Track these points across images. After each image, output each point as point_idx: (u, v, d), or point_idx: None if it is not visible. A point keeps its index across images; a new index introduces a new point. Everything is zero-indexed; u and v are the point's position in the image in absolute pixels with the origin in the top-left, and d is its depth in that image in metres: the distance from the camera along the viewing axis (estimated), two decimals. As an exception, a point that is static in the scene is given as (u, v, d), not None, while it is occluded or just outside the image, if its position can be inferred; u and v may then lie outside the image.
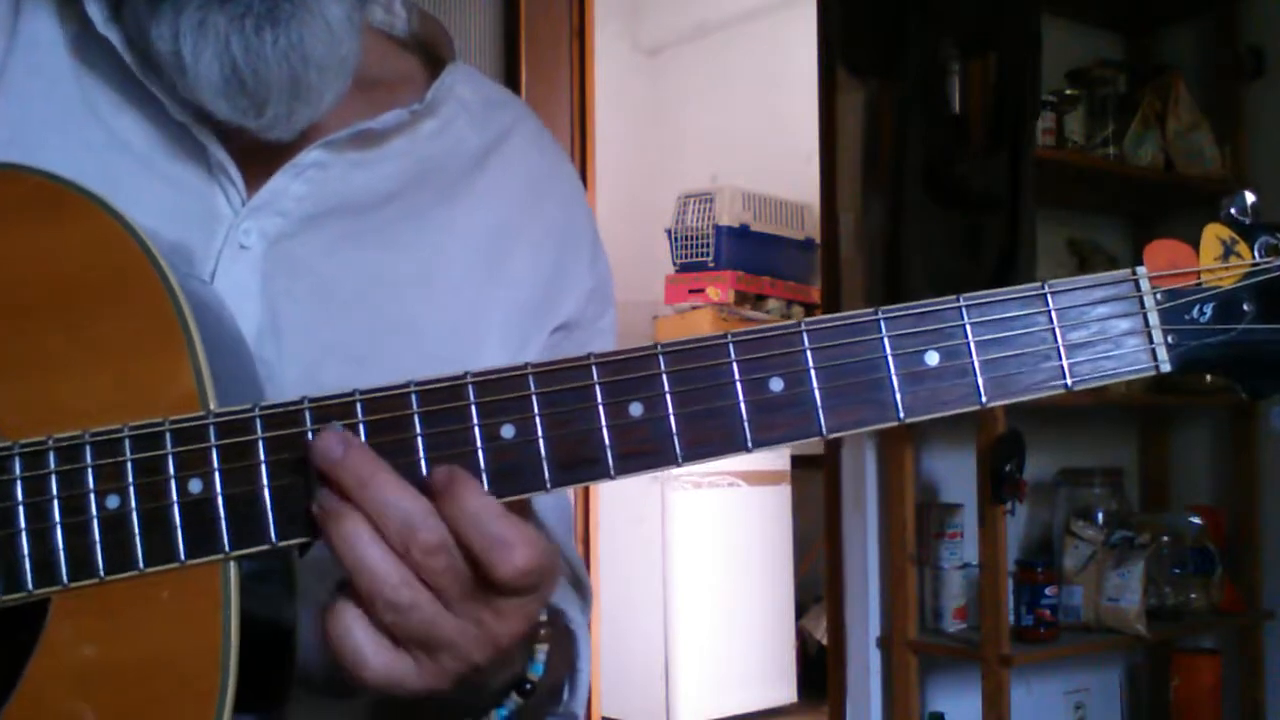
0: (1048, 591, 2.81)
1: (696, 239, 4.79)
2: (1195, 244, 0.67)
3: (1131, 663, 3.34)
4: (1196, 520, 3.08)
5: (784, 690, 4.54)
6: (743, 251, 4.73)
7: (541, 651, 0.72)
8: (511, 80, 3.10)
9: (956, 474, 2.94)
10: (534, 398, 0.63)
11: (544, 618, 0.71)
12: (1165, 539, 2.99)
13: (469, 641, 0.62)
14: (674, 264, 4.88)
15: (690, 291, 4.73)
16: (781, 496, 4.55)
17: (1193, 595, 3.07)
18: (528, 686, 0.71)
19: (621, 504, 4.14)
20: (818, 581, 4.03)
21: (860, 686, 2.94)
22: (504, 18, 3.14)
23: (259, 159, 0.81)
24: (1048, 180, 2.78)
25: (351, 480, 0.60)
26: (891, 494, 2.84)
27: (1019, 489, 2.64)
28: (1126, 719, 3.33)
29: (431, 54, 0.94)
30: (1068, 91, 3.02)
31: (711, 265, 4.73)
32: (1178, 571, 3.05)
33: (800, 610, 4.66)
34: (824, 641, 3.61)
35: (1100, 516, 3.06)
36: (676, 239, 4.85)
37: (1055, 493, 3.14)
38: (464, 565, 0.60)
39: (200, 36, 0.74)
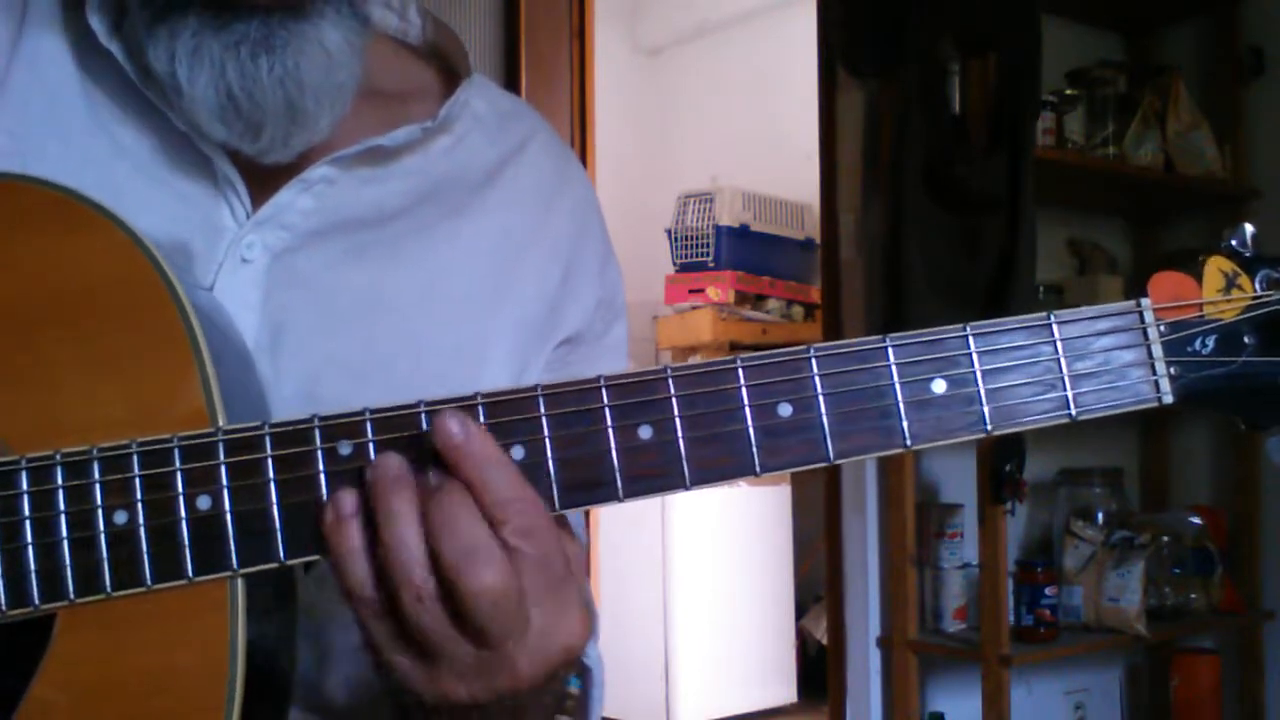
0: (1048, 591, 2.81)
1: (696, 239, 4.79)
2: (1195, 263, 0.67)
3: (1131, 663, 3.34)
4: (1196, 520, 3.08)
5: (784, 690, 4.54)
6: (743, 251, 4.73)
7: None
8: (511, 81, 3.10)
9: (956, 474, 2.94)
10: (544, 419, 0.63)
11: (572, 689, 0.71)
12: (1165, 539, 2.99)
13: (466, 663, 0.61)
14: (674, 264, 4.88)
15: (690, 291, 4.73)
16: (781, 497, 4.55)
17: (1193, 595, 3.07)
18: None
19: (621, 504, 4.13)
20: (818, 581, 4.03)
21: (860, 686, 2.94)
22: (504, 18, 3.14)
23: (265, 172, 0.80)
24: (1048, 180, 2.77)
25: (466, 468, 0.60)
26: (891, 494, 2.84)
27: (1019, 489, 2.64)
28: (1126, 719, 3.33)
29: (446, 64, 0.93)
30: (1068, 91, 3.02)
31: (711, 265, 4.73)
32: (1178, 571, 3.05)
33: (800, 610, 4.67)
34: (824, 641, 3.61)
35: (1100, 516, 3.06)
36: (676, 239, 4.85)
37: (1055, 493, 3.14)
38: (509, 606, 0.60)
39: (195, 62, 0.74)
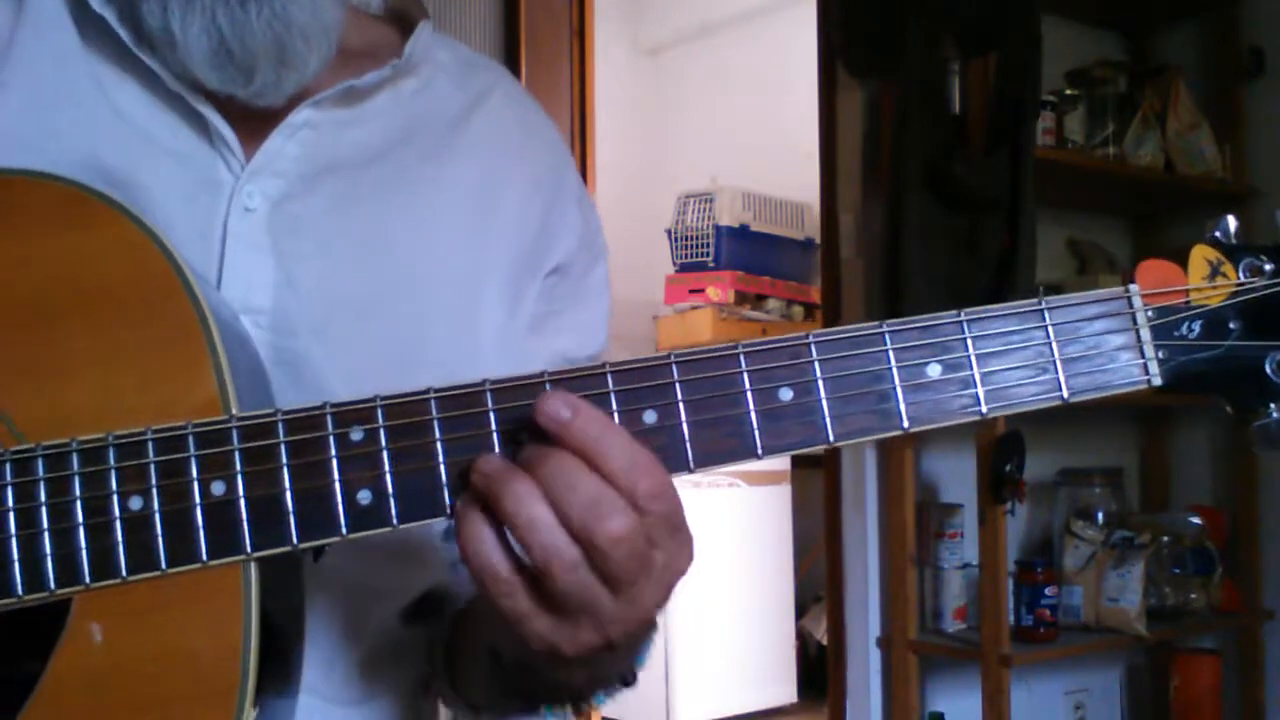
0: (1048, 591, 2.81)
1: (696, 239, 4.79)
2: (1188, 256, 0.69)
3: (1131, 663, 3.34)
4: (1196, 520, 3.08)
5: (784, 690, 4.55)
6: (743, 251, 4.73)
7: (649, 644, 0.75)
8: (512, 81, 3.11)
9: (956, 474, 2.95)
10: None
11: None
12: (1165, 539, 3.00)
13: (607, 612, 0.63)
14: (674, 264, 4.88)
15: (690, 291, 4.74)
16: (781, 496, 4.56)
17: (1193, 595, 3.07)
18: (632, 677, 0.74)
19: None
20: (818, 581, 4.03)
21: (860, 686, 2.94)
22: (504, 18, 3.14)
23: (252, 123, 0.83)
24: (1048, 180, 2.78)
25: (578, 443, 0.62)
26: (891, 494, 2.85)
27: (1019, 489, 2.64)
28: (1126, 719, 3.33)
29: (406, 24, 0.96)
30: (1068, 91, 3.03)
31: (711, 265, 4.74)
32: (1178, 571, 3.05)
33: (800, 610, 4.67)
34: (824, 641, 3.62)
35: (1100, 516, 3.06)
36: (676, 239, 4.86)
37: (1055, 493, 3.14)
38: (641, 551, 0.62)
39: (187, 11, 0.77)
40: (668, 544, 0.64)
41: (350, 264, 0.84)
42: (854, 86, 2.95)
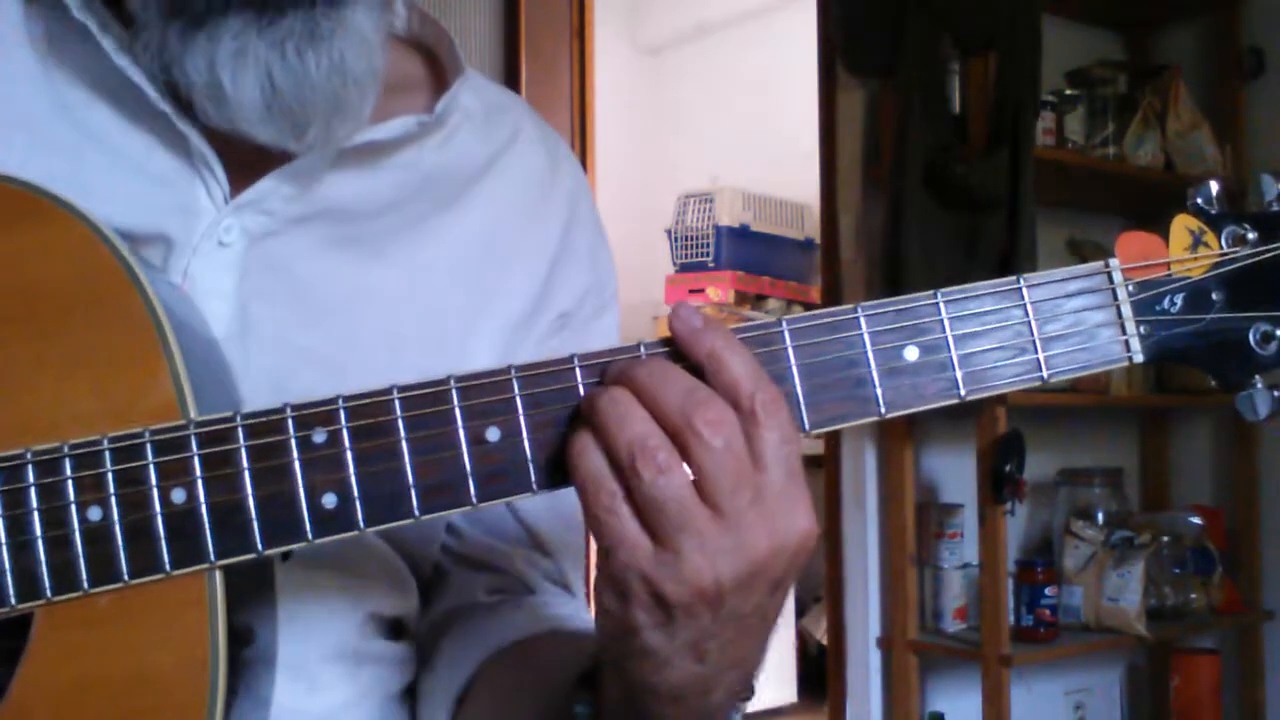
0: (1048, 591, 2.81)
1: (696, 239, 4.79)
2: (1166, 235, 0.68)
3: (1131, 663, 3.34)
4: (1196, 520, 3.08)
5: (784, 690, 4.53)
6: (743, 251, 4.73)
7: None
8: (511, 80, 3.10)
9: (956, 474, 2.94)
10: (518, 399, 0.62)
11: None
12: (1165, 539, 2.99)
13: (707, 534, 0.59)
14: (674, 264, 4.88)
15: (690, 291, 4.72)
16: (782, 496, 4.54)
17: (1193, 595, 3.06)
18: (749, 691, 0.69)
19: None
20: (818, 581, 4.02)
21: (860, 686, 2.93)
22: (504, 18, 3.14)
23: (248, 155, 0.78)
24: (1048, 180, 2.77)
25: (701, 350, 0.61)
26: (891, 494, 2.84)
27: (1019, 489, 2.63)
28: (1126, 719, 3.32)
29: (431, 55, 0.92)
30: (1068, 91, 3.02)
31: (711, 265, 4.73)
32: (1178, 571, 3.04)
33: (800, 610, 4.66)
34: (824, 641, 3.61)
35: (1100, 516, 3.06)
36: (676, 239, 4.85)
37: (1055, 493, 3.13)
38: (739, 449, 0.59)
39: (239, 66, 0.72)
40: (777, 473, 0.60)
41: (325, 315, 0.80)
42: (854, 86, 2.94)
